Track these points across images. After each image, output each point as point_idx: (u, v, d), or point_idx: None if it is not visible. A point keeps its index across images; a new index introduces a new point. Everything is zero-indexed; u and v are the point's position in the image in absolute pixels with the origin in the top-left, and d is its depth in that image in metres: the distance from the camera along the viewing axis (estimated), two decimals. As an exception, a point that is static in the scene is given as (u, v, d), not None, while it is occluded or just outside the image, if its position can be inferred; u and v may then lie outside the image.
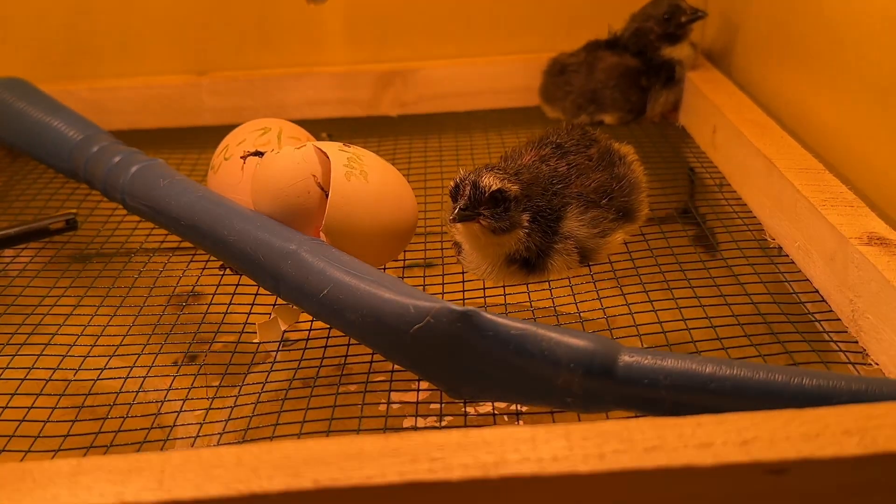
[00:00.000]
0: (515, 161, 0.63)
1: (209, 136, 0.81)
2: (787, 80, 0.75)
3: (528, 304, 0.60)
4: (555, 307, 0.59)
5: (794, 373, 0.40)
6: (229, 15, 0.96)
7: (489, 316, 0.44)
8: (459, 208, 0.54)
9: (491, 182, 0.54)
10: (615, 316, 0.56)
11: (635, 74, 0.86)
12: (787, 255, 0.60)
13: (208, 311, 0.61)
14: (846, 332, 0.51)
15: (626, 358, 0.42)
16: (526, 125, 0.93)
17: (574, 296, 0.59)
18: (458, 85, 0.96)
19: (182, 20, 0.96)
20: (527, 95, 0.94)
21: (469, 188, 0.55)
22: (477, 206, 0.55)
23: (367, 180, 0.57)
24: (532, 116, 0.94)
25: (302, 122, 0.94)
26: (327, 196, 0.56)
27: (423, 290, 0.61)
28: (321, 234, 0.56)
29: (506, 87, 0.96)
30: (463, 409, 0.51)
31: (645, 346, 0.54)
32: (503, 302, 0.61)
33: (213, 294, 0.62)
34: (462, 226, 0.57)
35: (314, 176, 0.57)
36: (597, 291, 0.59)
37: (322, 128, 0.96)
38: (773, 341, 0.51)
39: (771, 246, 0.62)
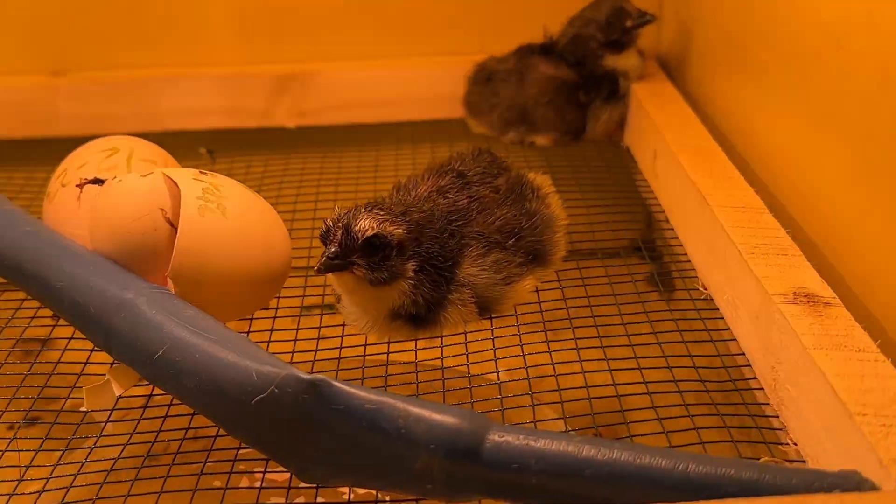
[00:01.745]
0: (410, 192, 0.65)
1: (65, 150, 0.82)
2: (738, 97, 0.79)
3: (440, 360, 0.61)
4: (468, 365, 0.61)
5: (680, 458, 0.42)
6: (94, 4, 0.97)
7: (341, 386, 0.46)
8: (327, 256, 0.56)
9: (367, 225, 0.56)
10: (525, 377, 0.58)
11: (572, 89, 0.89)
12: (718, 308, 0.63)
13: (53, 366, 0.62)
14: (768, 404, 0.53)
15: (495, 437, 0.44)
16: (447, 141, 0.95)
17: (494, 350, 0.61)
18: (368, 92, 0.98)
19: (35, 9, 0.97)
20: (450, 105, 0.96)
21: (341, 232, 0.56)
22: (349, 253, 0.56)
23: (224, 215, 0.58)
24: (456, 131, 0.96)
25: (180, 135, 0.96)
26: (178, 234, 0.57)
27: (318, 339, 0.64)
28: (168, 280, 0.57)
29: (425, 94, 0.98)
30: (315, 495, 0.53)
31: (567, 413, 0.57)
32: (413, 359, 0.62)
33: (45, 340, 0.63)
34: (334, 276, 0.58)
35: (162, 210, 0.58)
36: (521, 347, 0.61)
37: (203, 142, 0.97)
38: (711, 412, 0.54)
39: (703, 297, 0.65)
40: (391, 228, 0.57)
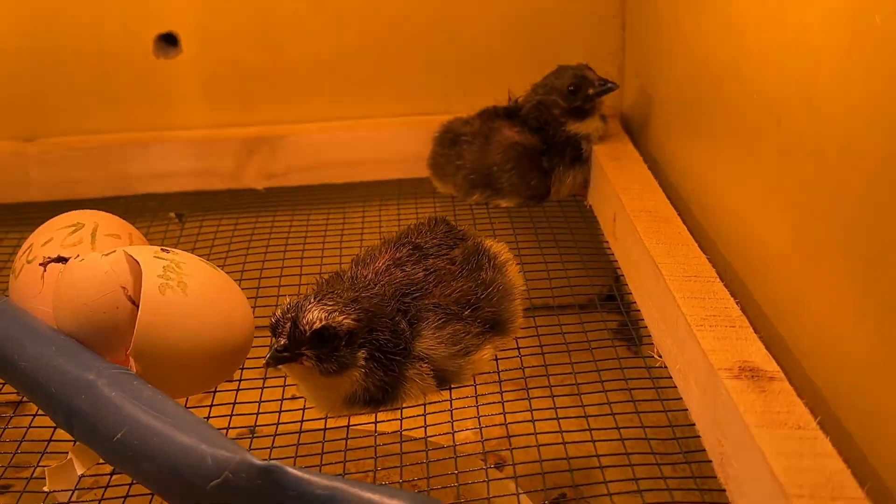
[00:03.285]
0: (368, 265, 0.66)
1: (36, 215, 0.83)
2: (693, 160, 0.81)
3: (399, 434, 0.63)
4: (426, 439, 0.62)
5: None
6: (64, 70, 0.98)
7: (294, 472, 0.47)
8: (275, 349, 0.58)
9: (315, 317, 0.57)
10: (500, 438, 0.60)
11: (535, 155, 0.91)
12: (671, 377, 0.64)
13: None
14: (715, 477, 0.55)
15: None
16: (413, 199, 0.97)
17: (452, 423, 0.62)
18: (336, 153, 1.00)
19: (4, 75, 0.98)
20: (417, 165, 0.98)
21: (290, 324, 0.58)
22: (298, 345, 0.58)
23: (185, 293, 0.60)
24: (423, 189, 0.98)
25: (150, 198, 0.98)
26: (142, 312, 0.58)
27: (280, 413, 0.65)
28: (129, 357, 0.58)
29: (391, 155, 1.00)
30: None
31: (521, 480, 0.58)
32: (372, 430, 0.63)
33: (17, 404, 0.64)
34: (285, 366, 0.60)
35: (124, 288, 0.60)
36: (478, 419, 0.62)
37: (173, 204, 0.99)
38: (660, 486, 0.55)
39: (658, 364, 0.66)
40: (340, 319, 0.58)
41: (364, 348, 0.59)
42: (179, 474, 0.49)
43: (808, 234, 0.59)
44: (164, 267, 0.60)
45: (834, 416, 0.53)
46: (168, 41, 0.99)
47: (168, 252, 0.62)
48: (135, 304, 0.59)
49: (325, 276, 0.67)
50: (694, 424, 0.59)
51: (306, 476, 0.47)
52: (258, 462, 0.47)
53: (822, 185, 0.56)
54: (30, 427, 0.63)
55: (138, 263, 0.60)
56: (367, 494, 0.46)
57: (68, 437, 0.59)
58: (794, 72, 0.60)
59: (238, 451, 0.48)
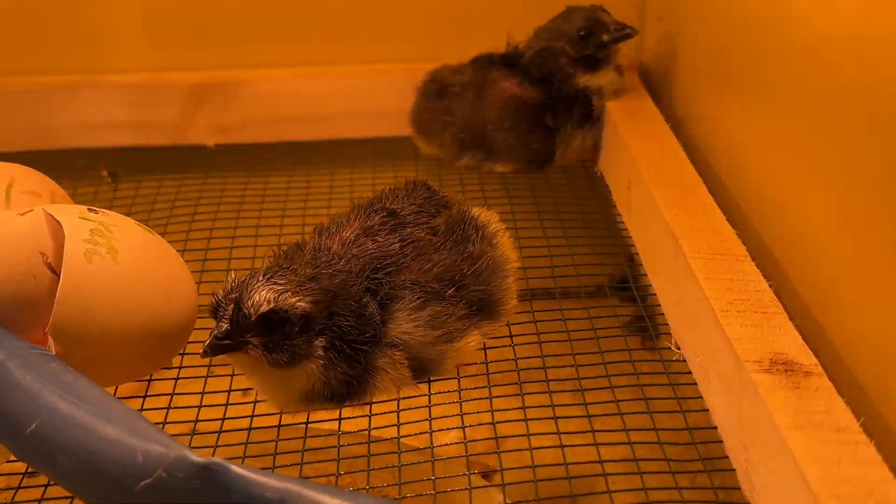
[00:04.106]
0: (334, 235, 0.66)
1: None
2: (724, 120, 0.81)
3: (367, 431, 0.63)
4: (398, 438, 0.62)
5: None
6: (-25, -2, 0.98)
7: (239, 471, 0.46)
8: (215, 336, 0.57)
9: (262, 298, 0.57)
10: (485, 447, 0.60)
11: (537, 112, 0.91)
12: (691, 371, 0.64)
13: None
14: (739, 489, 0.55)
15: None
16: (390, 162, 0.97)
17: (430, 421, 0.62)
18: (301, 105, 0.99)
19: None
20: (397, 122, 0.98)
21: (232, 307, 0.57)
22: (242, 331, 0.57)
23: (116, 261, 0.59)
24: (404, 151, 0.98)
25: (78, 153, 0.97)
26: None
27: (226, 406, 0.64)
28: (48, 336, 0.58)
29: (367, 108, 1.00)
30: None
31: (509, 492, 0.58)
32: (335, 428, 0.63)
33: None
34: (228, 356, 0.59)
35: (43, 254, 0.59)
36: (462, 417, 0.62)
37: (106, 162, 0.99)
38: (674, 497, 0.55)
39: (676, 357, 0.66)
40: (293, 301, 0.57)
41: (323, 336, 0.59)
42: (104, 472, 0.49)
43: (857, 207, 0.59)
44: (91, 230, 0.60)
45: (880, 418, 0.53)
46: (103, -33, 0.98)
47: (97, 213, 0.62)
48: (55, 273, 0.59)
49: (284, 248, 0.67)
50: (716, 428, 0.59)
51: (253, 476, 0.46)
52: (197, 459, 0.47)
53: (876, 148, 0.56)
54: None
55: (61, 225, 0.59)
56: (325, 498, 0.46)
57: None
58: (845, 11, 0.60)
59: (174, 446, 0.48)
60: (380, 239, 0.65)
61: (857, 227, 0.59)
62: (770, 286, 0.62)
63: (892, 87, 0.54)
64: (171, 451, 0.48)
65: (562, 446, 0.59)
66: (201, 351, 0.58)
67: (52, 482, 0.57)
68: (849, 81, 0.59)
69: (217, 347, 0.58)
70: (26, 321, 0.59)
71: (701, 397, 0.62)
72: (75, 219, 0.60)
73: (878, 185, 0.56)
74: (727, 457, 0.57)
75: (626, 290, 0.80)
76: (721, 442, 0.58)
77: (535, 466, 0.57)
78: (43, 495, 0.58)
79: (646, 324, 0.75)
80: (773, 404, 0.51)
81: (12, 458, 0.57)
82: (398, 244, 0.65)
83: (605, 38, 0.90)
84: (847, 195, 0.60)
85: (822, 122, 0.63)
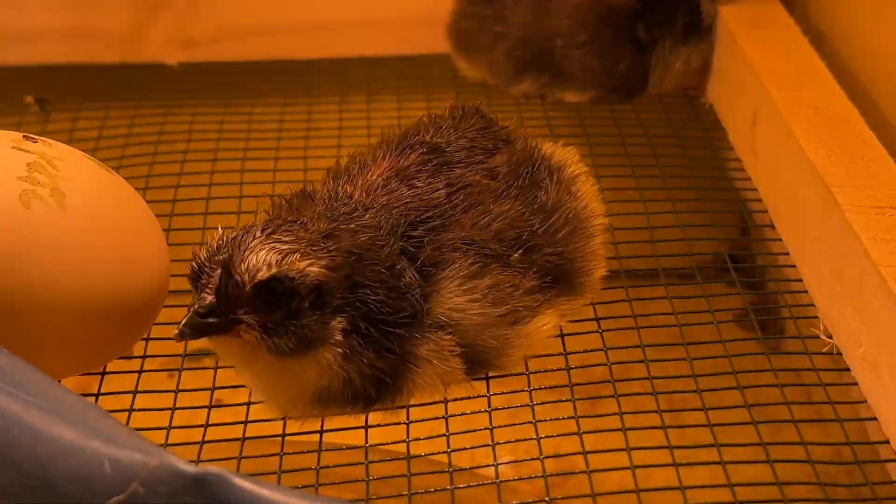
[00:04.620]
0: (355, 179, 0.66)
1: None
2: (888, 28, 0.81)
3: (405, 443, 0.64)
4: (449, 452, 0.62)
5: None
6: None
7: (243, 484, 0.47)
8: (195, 311, 0.57)
9: (261, 262, 0.57)
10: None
11: (625, 21, 0.92)
12: (849, 368, 0.65)
13: None
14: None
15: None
16: (423, 89, 0.98)
17: (491, 430, 0.63)
18: (298, 10, 1.00)
19: None
20: (429, 34, 0.98)
21: (220, 273, 0.57)
22: (233, 306, 0.57)
23: (62, 207, 0.60)
24: (438, 73, 0.99)
25: (-4, 71, 0.98)
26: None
27: (210, 408, 0.65)
28: (-29, 306, 0.59)
29: (387, 15, 1.01)
30: None
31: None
32: (362, 441, 0.64)
33: None
34: (211, 341, 0.60)
35: (-38, 196, 0.60)
36: (535, 425, 0.62)
37: (31, 86, 1.00)
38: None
39: (825, 349, 0.67)
40: (302, 265, 0.58)
41: (342, 314, 0.59)
42: (56, 488, 0.50)
43: None
44: (28, 164, 0.61)
45: None
46: None
47: (36, 142, 0.63)
48: (-18, 223, 0.60)
49: (286, 196, 0.67)
50: (888, 442, 0.60)
51: (265, 491, 0.47)
52: (187, 469, 0.48)
53: None
54: None
55: (-9, 159, 0.60)
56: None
57: None
58: None
59: (154, 451, 0.49)
60: (419, 184, 0.65)
61: None
62: (959, 251, 0.63)
63: None
64: (150, 458, 0.48)
65: (675, 464, 0.59)
66: (176, 332, 0.58)
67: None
68: None
69: (198, 327, 0.57)
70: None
71: (865, 401, 0.62)
72: (7, 149, 0.61)
73: None
74: (902, 479, 0.58)
75: (745, 264, 0.81)
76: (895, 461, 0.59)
77: (640, 491, 0.58)
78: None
79: (773, 310, 0.75)
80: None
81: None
82: (444, 191, 0.65)
83: None
84: None
85: None
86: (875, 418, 0.62)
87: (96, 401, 0.67)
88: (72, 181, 0.61)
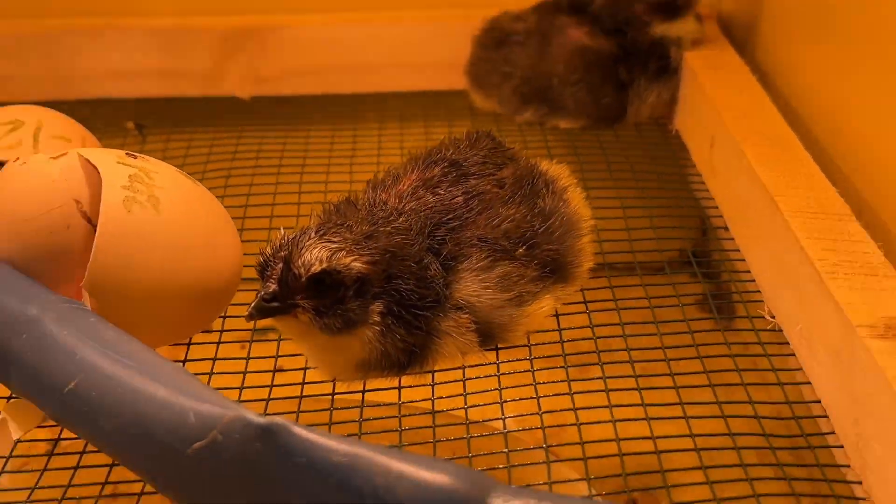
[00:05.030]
0: (389, 189, 0.66)
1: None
2: (821, 72, 0.80)
3: (431, 401, 0.63)
4: (466, 408, 0.62)
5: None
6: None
7: (303, 433, 0.46)
8: (262, 297, 0.57)
9: (314, 258, 0.57)
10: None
11: (609, 64, 0.90)
12: (788, 342, 0.64)
13: None
14: (849, 466, 0.54)
15: (498, 502, 0.45)
16: (444, 118, 0.97)
17: (500, 391, 0.62)
18: (346, 54, 0.99)
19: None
20: (450, 74, 0.98)
21: (281, 266, 0.57)
22: (291, 293, 0.57)
23: (157, 210, 0.59)
24: (458, 105, 0.98)
25: (101, 104, 0.98)
26: (98, 233, 0.58)
27: (274, 372, 0.65)
28: (83, 291, 0.58)
29: (418, 59, 1.00)
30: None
31: (592, 473, 0.57)
32: (395, 399, 0.63)
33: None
34: (275, 320, 0.59)
35: (77, 202, 0.59)
36: (535, 387, 0.62)
37: (132, 113, 1.00)
38: (776, 474, 0.55)
39: (769, 327, 0.66)
40: (348, 261, 0.57)
41: (380, 300, 0.59)
42: (151, 435, 0.49)
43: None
44: (130, 176, 0.60)
45: None
46: None
47: (136, 158, 0.62)
48: (91, 222, 0.59)
49: (334, 203, 0.67)
50: (818, 402, 0.59)
51: (320, 438, 0.46)
52: (257, 419, 0.47)
53: None
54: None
55: (97, 170, 0.59)
56: (397, 464, 0.46)
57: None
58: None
59: (231, 406, 0.48)
60: (441, 192, 0.65)
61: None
62: (879, 247, 0.62)
63: None
64: (227, 410, 0.48)
65: (647, 419, 0.58)
66: (246, 314, 0.58)
67: (90, 447, 0.57)
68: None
69: (264, 310, 0.57)
70: (59, 274, 0.59)
71: (801, 369, 0.61)
72: (113, 164, 0.60)
73: None
74: (833, 432, 0.57)
75: (703, 260, 0.80)
76: (825, 417, 0.58)
77: (620, 440, 0.57)
78: (79, 462, 0.58)
79: (727, 296, 0.75)
80: (893, 372, 0.51)
81: (45, 420, 0.58)
82: (462, 197, 0.64)
83: None
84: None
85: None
86: (809, 382, 0.61)
87: (183, 365, 0.67)
88: (164, 189, 0.61)
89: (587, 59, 0.90)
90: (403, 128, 0.96)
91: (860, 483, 0.53)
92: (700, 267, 0.77)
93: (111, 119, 0.97)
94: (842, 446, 0.56)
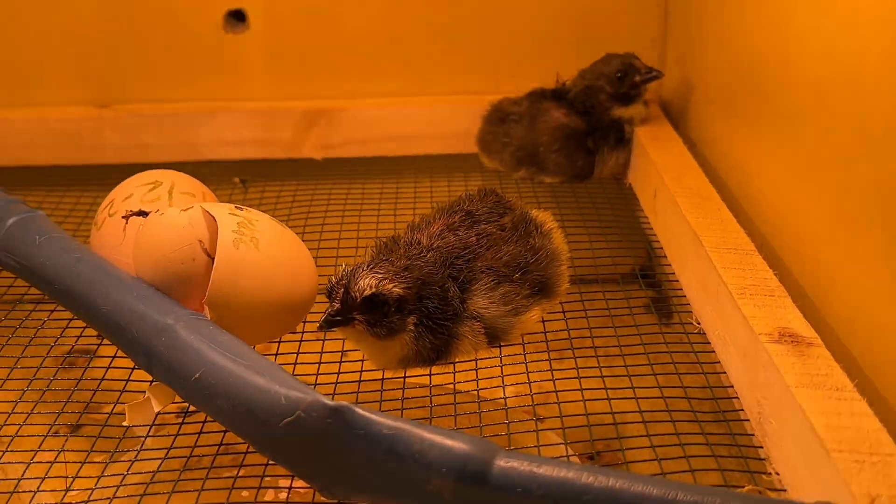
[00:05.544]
0: (423, 230, 0.67)
1: (110, 176, 0.84)
2: (733, 143, 0.81)
3: (453, 385, 0.64)
4: (478, 390, 0.63)
5: (670, 487, 0.43)
6: (137, 41, 0.99)
7: (362, 412, 0.47)
8: (329, 313, 0.59)
9: (366, 285, 0.58)
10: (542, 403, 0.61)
11: (581, 137, 0.91)
12: (710, 342, 0.64)
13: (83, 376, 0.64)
14: (753, 434, 0.55)
15: (501, 463, 0.45)
16: (462, 174, 0.98)
17: (502, 377, 0.63)
18: (390, 127, 1.00)
19: (83, 45, 0.99)
20: (466, 141, 0.98)
21: (342, 291, 0.59)
22: (350, 310, 0.59)
23: (257, 248, 0.61)
24: (470, 164, 0.98)
25: (215, 164, 0.99)
26: (215, 264, 0.59)
27: (340, 362, 0.66)
28: (204, 306, 0.59)
29: (443, 131, 1.00)
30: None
31: (568, 436, 0.58)
32: (427, 383, 0.65)
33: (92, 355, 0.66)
34: (339, 329, 0.61)
35: (200, 241, 0.61)
36: (527, 374, 0.63)
37: (236, 171, 1.00)
38: (700, 441, 0.55)
39: (696, 331, 0.66)
40: (390, 287, 0.58)
41: (414, 314, 0.60)
42: (254, 412, 0.50)
43: (848, 211, 0.59)
44: (237, 223, 0.61)
45: (870, 383, 0.53)
46: (237, 17, 1.00)
47: (242, 210, 0.63)
48: (210, 256, 0.60)
49: (383, 240, 0.68)
50: (731, 386, 0.59)
51: (373, 416, 0.47)
52: (329, 402, 0.48)
53: (866, 163, 0.56)
54: (103, 379, 0.65)
55: (214, 219, 0.61)
56: (428, 434, 0.47)
57: (138, 388, 0.61)
58: (841, 53, 0.59)
59: (310, 392, 0.49)
60: (460, 233, 0.65)
61: (847, 230, 0.59)
62: (774, 275, 0.62)
63: (880, 114, 0.54)
64: (307, 395, 0.49)
65: (609, 399, 0.59)
66: (318, 325, 0.59)
67: (209, 419, 0.58)
68: (843, 109, 0.59)
69: (330, 323, 0.59)
70: (187, 294, 0.61)
71: (719, 362, 0.62)
72: (226, 214, 0.62)
73: (866, 195, 0.56)
74: (742, 409, 0.58)
75: (649, 277, 0.81)
76: (737, 398, 0.59)
77: (588, 414, 0.58)
78: (202, 429, 0.59)
79: (664, 303, 0.75)
80: (784, 367, 0.51)
81: (176, 398, 0.59)
82: (475, 237, 0.65)
83: (638, 79, 0.90)
84: (839, 203, 0.60)
85: (819, 141, 0.63)
86: (725, 372, 0.61)
87: (275, 359, 0.67)
88: (262, 232, 0.62)
89: (565, 133, 0.91)
90: (433, 181, 0.97)
91: (762, 447, 0.54)
92: (645, 280, 0.77)
93: (223, 175, 0.98)
94: (748, 420, 0.56)
